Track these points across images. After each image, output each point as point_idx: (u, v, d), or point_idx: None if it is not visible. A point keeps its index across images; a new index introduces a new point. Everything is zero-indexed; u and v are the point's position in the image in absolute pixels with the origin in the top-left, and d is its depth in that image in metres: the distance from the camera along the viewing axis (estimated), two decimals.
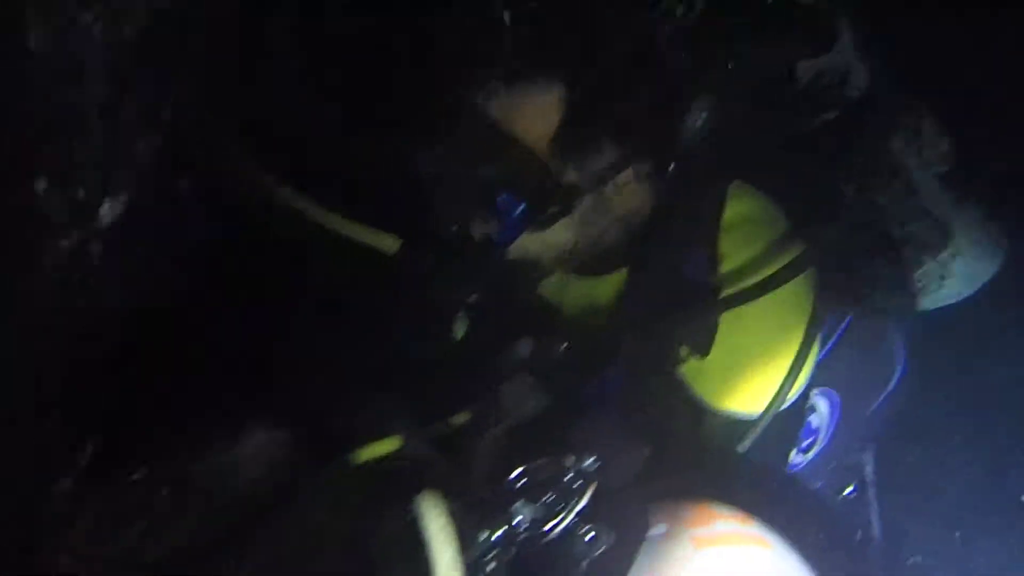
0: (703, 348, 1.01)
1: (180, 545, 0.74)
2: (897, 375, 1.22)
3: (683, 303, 1.02)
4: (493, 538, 0.77)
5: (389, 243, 0.96)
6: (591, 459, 0.79)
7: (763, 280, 1.02)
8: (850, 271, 1.12)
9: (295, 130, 0.97)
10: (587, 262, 1.07)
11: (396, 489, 0.77)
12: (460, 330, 1.01)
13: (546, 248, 1.03)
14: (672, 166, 1.02)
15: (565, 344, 0.96)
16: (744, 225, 1.08)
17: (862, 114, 1.12)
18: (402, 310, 0.98)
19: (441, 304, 1.00)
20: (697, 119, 1.00)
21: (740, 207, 1.09)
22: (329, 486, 0.79)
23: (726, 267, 1.05)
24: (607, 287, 1.09)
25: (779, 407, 1.04)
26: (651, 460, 0.81)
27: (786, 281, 1.02)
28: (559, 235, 1.01)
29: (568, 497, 0.78)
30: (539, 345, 0.95)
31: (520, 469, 0.78)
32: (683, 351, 1.02)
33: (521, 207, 0.98)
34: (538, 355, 0.94)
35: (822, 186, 1.10)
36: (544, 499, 0.78)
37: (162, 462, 0.73)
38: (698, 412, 1.03)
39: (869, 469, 1.31)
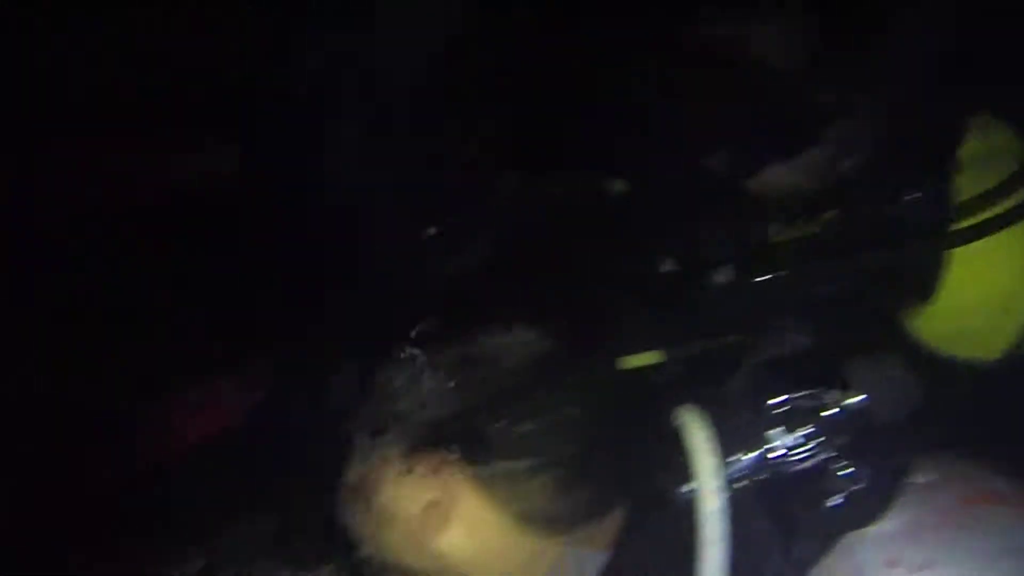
0: (926, 291, 0.94)
1: (453, 411, 0.82)
2: None
3: (906, 243, 0.95)
4: (747, 459, 0.79)
5: (618, 186, 0.98)
6: (859, 397, 0.78)
7: (1000, 214, 0.90)
8: None
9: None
10: (818, 196, 1.02)
11: (659, 398, 0.81)
12: (666, 265, 1.01)
13: (787, 181, 1.00)
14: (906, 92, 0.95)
15: (763, 277, 0.93)
16: (985, 159, 0.97)
17: None
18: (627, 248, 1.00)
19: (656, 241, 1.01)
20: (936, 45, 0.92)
21: (984, 141, 0.97)
22: (590, 385, 0.84)
23: (958, 201, 0.93)
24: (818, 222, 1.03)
25: (1017, 354, 0.95)
26: (924, 407, 0.79)
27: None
28: (800, 167, 0.98)
29: (829, 431, 0.78)
30: (738, 276, 0.93)
31: (783, 398, 0.78)
32: (905, 294, 0.96)
33: (769, 136, 0.95)
34: (736, 285, 0.93)
35: None
36: (804, 429, 0.78)
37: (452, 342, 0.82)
38: (925, 359, 0.98)
39: None
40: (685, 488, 0.77)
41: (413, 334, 0.83)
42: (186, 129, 1.29)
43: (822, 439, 0.78)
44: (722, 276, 0.94)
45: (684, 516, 0.76)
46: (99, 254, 1.18)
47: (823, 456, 0.78)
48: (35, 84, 1.13)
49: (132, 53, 1.19)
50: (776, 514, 0.78)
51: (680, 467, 0.77)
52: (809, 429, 0.78)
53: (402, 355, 0.82)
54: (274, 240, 1.13)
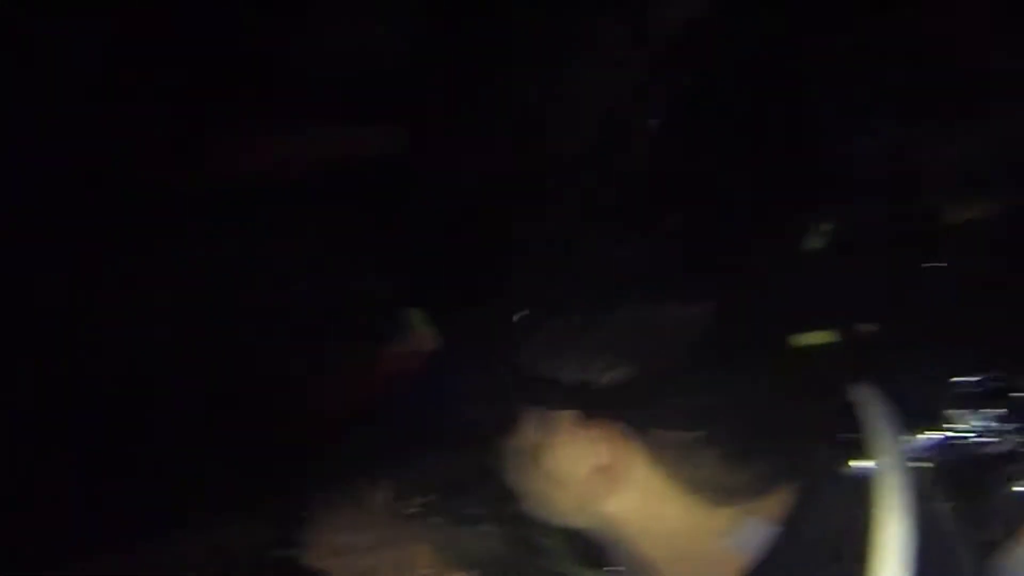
0: None
1: (627, 381, 0.84)
2: None
3: None
4: (928, 438, 0.77)
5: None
6: None
7: None
8: None
9: None
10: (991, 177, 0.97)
11: (836, 374, 0.80)
12: (815, 243, 0.98)
13: (958, 162, 0.95)
14: None
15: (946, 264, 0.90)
16: None
17: None
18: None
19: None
20: None
21: None
22: (765, 360, 0.84)
23: None
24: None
25: None
26: None
27: None
28: (973, 146, 0.93)
29: (1020, 415, 0.75)
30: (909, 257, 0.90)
31: (975, 378, 0.76)
32: None
33: (936, 110, 0.91)
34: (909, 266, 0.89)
35: None
36: (993, 412, 0.76)
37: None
38: None
39: None
40: (861, 465, 0.76)
41: (586, 303, 0.85)
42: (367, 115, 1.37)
43: (1013, 422, 0.75)
44: (894, 256, 0.92)
45: (860, 493, 0.76)
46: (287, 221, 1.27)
47: (1013, 439, 0.76)
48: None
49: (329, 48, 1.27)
50: (960, 495, 0.76)
51: (857, 443, 0.76)
52: (999, 411, 0.76)
53: (577, 323, 0.84)
54: (446, 211, 1.18)
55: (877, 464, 0.75)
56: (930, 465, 0.76)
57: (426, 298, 1.17)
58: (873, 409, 0.76)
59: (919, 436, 0.77)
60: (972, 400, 0.76)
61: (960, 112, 0.97)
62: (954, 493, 0.77)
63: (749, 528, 0.81)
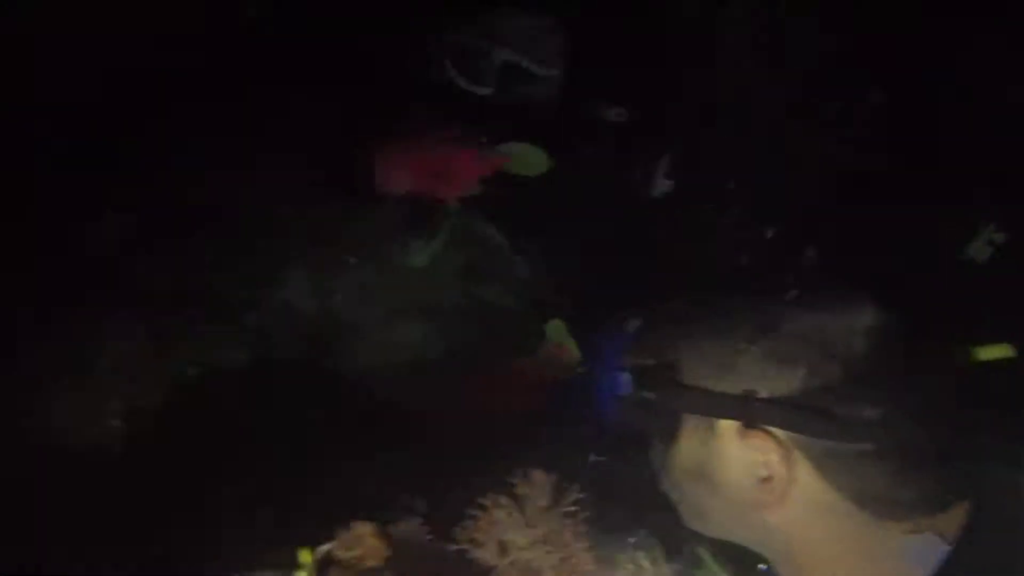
0: None
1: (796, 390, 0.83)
2: None
3: None
4: None
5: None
6: None
7: None
8: None
9: None
10: None
11: (1014, 387, 0.78)
12: (982, 253, 0.94)
13: None
14: None
15: None
16: None
17: None
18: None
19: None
20: None
21: None
22: (943, 374, 0.81)
23: None
24: None
25: None
26: None
27: None
28: None
29: None
30: None
31: None
32: None
33: None
34: None
35: None
36: None
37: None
38: None
39: None
40: None
41: (751, 312, 0.85)
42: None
43: None
44: None
45: None
46: None
47: None
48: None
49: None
50: None
51: None
52: None
53: (744, 333, 0.84)
54: (605, 223, 1.21)
55: None
56: None
57: (577, 309, 1.20)
58: None
59: None
60: None
61: None
62: None
63: (921, 545, 0.79)
